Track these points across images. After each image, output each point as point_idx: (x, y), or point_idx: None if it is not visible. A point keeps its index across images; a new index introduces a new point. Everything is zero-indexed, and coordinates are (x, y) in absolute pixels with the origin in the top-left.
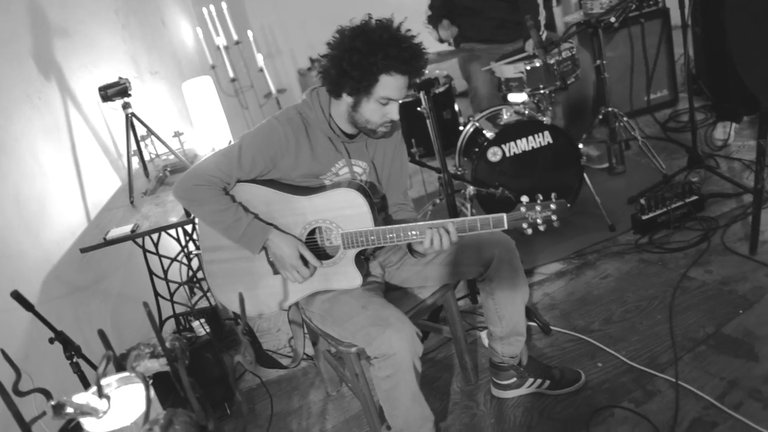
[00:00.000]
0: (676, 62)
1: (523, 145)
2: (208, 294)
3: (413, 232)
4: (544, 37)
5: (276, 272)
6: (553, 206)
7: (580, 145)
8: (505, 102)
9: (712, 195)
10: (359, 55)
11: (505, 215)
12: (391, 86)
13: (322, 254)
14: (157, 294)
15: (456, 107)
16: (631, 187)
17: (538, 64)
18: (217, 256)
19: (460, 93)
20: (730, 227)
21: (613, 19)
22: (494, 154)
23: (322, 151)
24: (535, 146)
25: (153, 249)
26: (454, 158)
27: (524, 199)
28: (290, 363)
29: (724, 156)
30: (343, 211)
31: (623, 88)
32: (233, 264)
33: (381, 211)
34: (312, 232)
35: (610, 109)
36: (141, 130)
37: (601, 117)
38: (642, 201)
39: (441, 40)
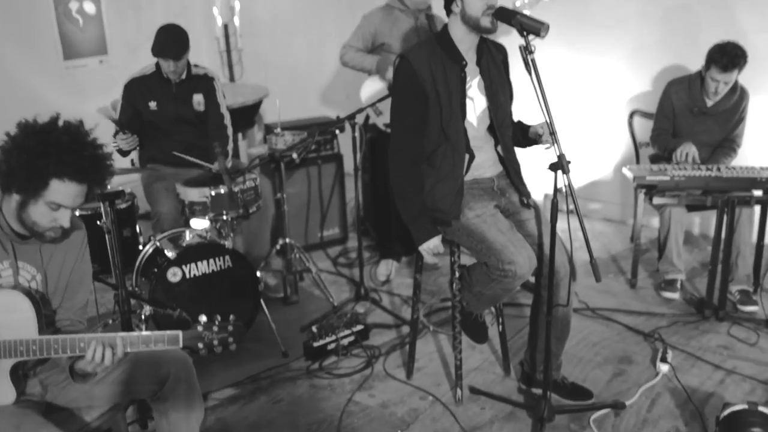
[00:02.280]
0: (347, 204)
1: (204, 267)
2: None
3: (82, 344)
4: (229, 165)
5: None
6: (230, 328)
7: (259, 273)
8: (188, 226)
9: (375, 325)
10: (28, 155)
11: (180, 333)
12: (63, 192)
13: None
14: None
15: (138, 228)
16: (304, 316)
17: (222, 191)
18: None
19: (141, 215)
20: (390, 355)
21: (294, 156)
22: (174, 275)
23: None
24: (215, 269)
25: None
26: (130, 279)
27: (202, 318)
28: None
29: (386, 291)
30: (3, 316)
31: (300, 222)
32: None
33: (50, 326)
34: None
35: (287, 240)
36: None
37: (278, 248)
38: (313, 329)
39: (121, 152)
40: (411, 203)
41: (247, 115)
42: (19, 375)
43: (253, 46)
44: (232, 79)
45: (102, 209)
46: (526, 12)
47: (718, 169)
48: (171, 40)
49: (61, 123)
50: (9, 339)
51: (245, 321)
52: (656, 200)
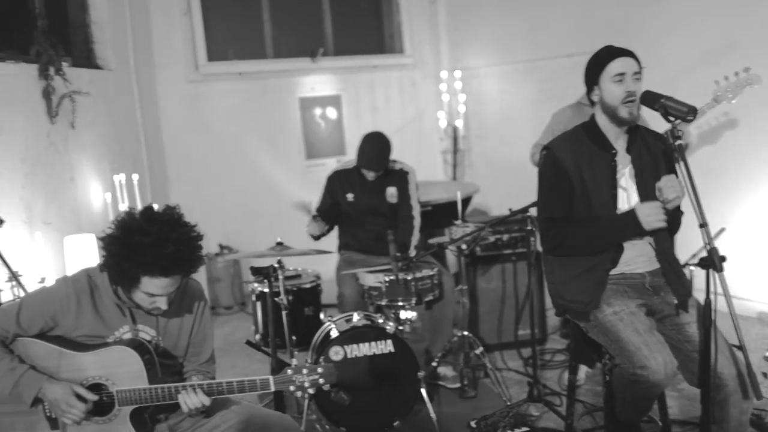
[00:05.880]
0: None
1: (365, 349)
2: None
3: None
4: (413, 255)
5: (53, 427)
6: (320, 370)
7: (434, 363)
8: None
9: (544, 429)
10: (114, 259)
11: (271, 377)
12: (153, 285)
13: (107, 408)
14: None
15: (323, 310)
16: (476, 412)
17: (399, 278)
18: None
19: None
20: None
21: (464, 247)
22: (336, 353)
23: (107, 314)
24: (376, 352)
25: None
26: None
27: (293, 362)
28: None
29: (578, 399)
30: (118, 368)
31: (494, 319)
32: (12, 419)
33: (176, 375)
34: (95, 387)
35: (466, 333)
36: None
37: (455, 339)
38: (472, 424)
39: (314, 237)
40: (591, 239)
41: (453, 210)
42: (144, 418)
43: (480, 147)
44: (454, 177)
45: (280, 287)
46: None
47: None
48: (375, 155)
49: (150, 218)
50: (124, 388)
51: (404, 409)
52: None
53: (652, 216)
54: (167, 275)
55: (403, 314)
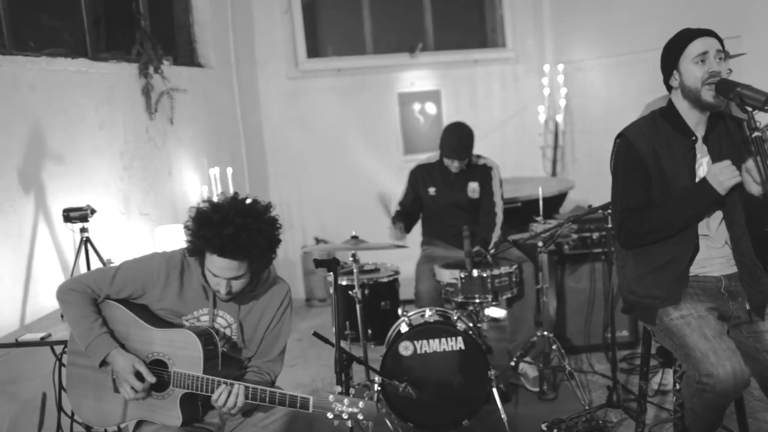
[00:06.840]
0: None
1: (435, 345)
2: None
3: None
4: (492, 251)
5: (115, 390)
6: (361, 404)
7: (512, 362)
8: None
9: None
10: (190, 230)
11: (311, 398)
12: (214, 264)
13: (165, 385)
14: (60, 408)
15: (400, 309)
16: (553, 414)
17: (475, 274)
18: (76, 360)
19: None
20: None
21: (541, 244)
22: (406, 348)
23: (191, 294)
24: (446, 349)
25: None
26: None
27: (337, 389)
28: None
29: (656, 403)
30: (180, 351)
31: (581, 320)
32: (87, 372)
33: (239, 368)
34: (159, 363)
35: (545, 333)
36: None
37: (534, 339)
38: (543, 427)
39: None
40: (667, 219)
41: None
42: (196, 404)
43: (584, 142)
44: (554, 173)
45: (355, 281)
46: None
47: None
48: (458, 144)
49: (231, 200)
50: (180, 371)
51: (473, 408)
52: None
53: (722, 175)
54: (221, 255)
55: (492, 312)
